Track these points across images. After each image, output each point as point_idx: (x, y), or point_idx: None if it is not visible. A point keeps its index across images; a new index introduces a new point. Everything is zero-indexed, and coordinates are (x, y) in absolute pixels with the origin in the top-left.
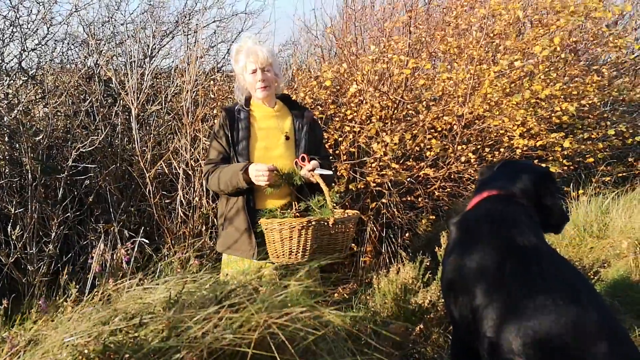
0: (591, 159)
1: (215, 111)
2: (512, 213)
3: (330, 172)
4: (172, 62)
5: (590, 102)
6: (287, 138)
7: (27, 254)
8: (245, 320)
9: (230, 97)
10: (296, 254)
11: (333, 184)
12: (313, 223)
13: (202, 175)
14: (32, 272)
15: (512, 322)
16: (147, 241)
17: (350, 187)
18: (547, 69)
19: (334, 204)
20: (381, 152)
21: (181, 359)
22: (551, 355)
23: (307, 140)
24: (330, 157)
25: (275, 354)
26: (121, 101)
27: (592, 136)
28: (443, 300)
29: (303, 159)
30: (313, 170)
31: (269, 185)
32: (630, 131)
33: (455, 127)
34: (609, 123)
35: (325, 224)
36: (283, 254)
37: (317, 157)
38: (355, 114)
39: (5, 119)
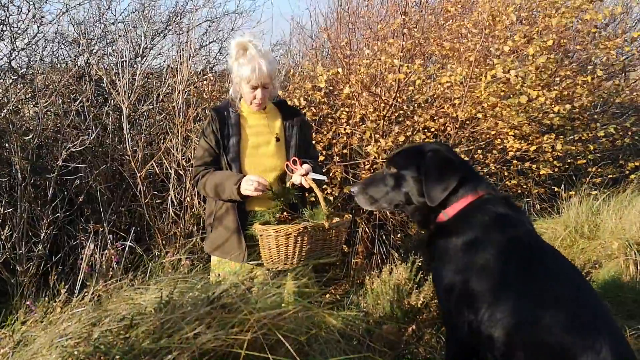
0: (582, 161)
1: (207, 111)
2: (515, 214)
3: (323, 178)
4: (164, 61)
5: (580, 104)
6: (278, 139)
7: (16, 254)
8: (238, 321)
9: (222, 98)
10: (291, 260)
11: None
12: (309, 229)
13: (192, 177)
14: (21, 273)
15: (517, 320)
16: (135, 246)
17: (345, 190)
18: (537, 70)
19: (327, 206)
20: (375, 154)
21: None
22: (554, 352)
23: (297, 141)
24: (320, 157)
25: (269, 355)
26: (112, 101)
27: (583, 137)
28: (440, 301)
29: (294, 162)
30: (306, 174)
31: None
32: (620, 133)
33: (449, 128)
34: (598, 125)
35: (320, 229)
36: (278, 260)
37: (308, 159)
38: (348, 116)
39: None
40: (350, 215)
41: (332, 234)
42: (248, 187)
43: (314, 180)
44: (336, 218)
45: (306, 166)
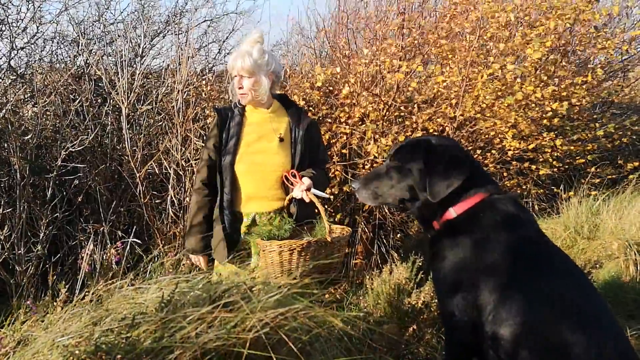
0: (581, 160)
1: (206, 111)
2: (524, 214)
3: (326, 195)
4: (163, 61)
5: (579, 103)
6: (282, 140)
7: (15, 255)
8: (240, 320)
9: (222, 97)
10: (294, 275)
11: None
12: (312, 244)
13: (192, 186)
14: (20, 273)
15: (524, 319)
16: (138, 241)
17: (345, 188)
18: (537, 71)
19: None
20: (375, 153)
21: None
22: (559, 350)
23: (303, 144)
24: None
25: (271, 354)
26: (111, 101)
27: (582, 137)
28: (442, 300)
29: (294, 176)
30: (308, 189)
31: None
32: (620, 132)
33: (447, 129)
34: (597, 125)
35: (323, 244)
36: (281, 275)
37: (315, 164)
38: (347, 116)
39: None
40: (350, 229)
41: (334, 248)
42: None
43: (316, 196)
44: (336, 230)
45: (308, 181)
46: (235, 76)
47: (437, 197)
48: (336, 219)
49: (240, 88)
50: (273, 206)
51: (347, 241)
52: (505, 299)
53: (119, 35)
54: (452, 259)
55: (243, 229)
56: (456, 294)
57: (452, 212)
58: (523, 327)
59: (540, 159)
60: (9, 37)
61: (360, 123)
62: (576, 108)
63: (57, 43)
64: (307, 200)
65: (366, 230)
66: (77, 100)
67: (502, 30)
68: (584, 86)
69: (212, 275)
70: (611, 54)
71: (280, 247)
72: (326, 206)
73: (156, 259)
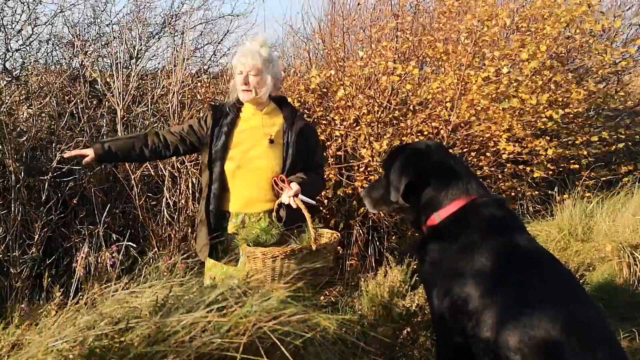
0: (575, 165)
1: (201, 113)
2: (509, 217)
3: (313, 202)
4: (159, 63)
5: (575, 110)
6: (272, 142)
7: (10, 257)
8: (234, 324)
9: (217, 99)
10: (279, 282)
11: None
12: (296, 252)
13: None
14: (14, 275)
15: (514, 322)
16: (133, 245)
17: (339, 192)
18: (532, 75)
19: (316, 230)
20: (369, 157)
21: None
22: (551, 355)
23: (295, 148)
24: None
25: (265, 358)
26: (107, 102)
27: (577, 142)
28: (432, 305)
29: (283, 181)
30: (296, 195)
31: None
32: (615, 137)
33: (442, 131)
34: (592, 129)
35: (308, 251)
36: (265, 281)
37: (301, 173)
38: (342, 118)
39: None
40: (338, 234)
41: (320, 255)
42: None
43: (304, 202)
44: (324, 234)
45: (296, 187)
46: (240, 73)
47: (394, 199)
48: (331, 224)
49: (245, 84)
50: (262, 207)
51: (335, 247)
52: (495, 303)
53: (114, 37)
54: (439, 265)
55: (232, 229)
56: (445, 298)
57: (436, 218)
58: (513, 331)
59: (535, 162)
60: (3, 39)
61: (355, 125)
62: (571, 114)
63: (53, 45)
64: (294, 207)
65: (361, 233)
66: (73, 102)
67: (496, 35)
68: (580, 96)
69: (204, 278)
70: (609, 61)
71: (264, 254)
72: (321, 209)
73: (151, 262)
